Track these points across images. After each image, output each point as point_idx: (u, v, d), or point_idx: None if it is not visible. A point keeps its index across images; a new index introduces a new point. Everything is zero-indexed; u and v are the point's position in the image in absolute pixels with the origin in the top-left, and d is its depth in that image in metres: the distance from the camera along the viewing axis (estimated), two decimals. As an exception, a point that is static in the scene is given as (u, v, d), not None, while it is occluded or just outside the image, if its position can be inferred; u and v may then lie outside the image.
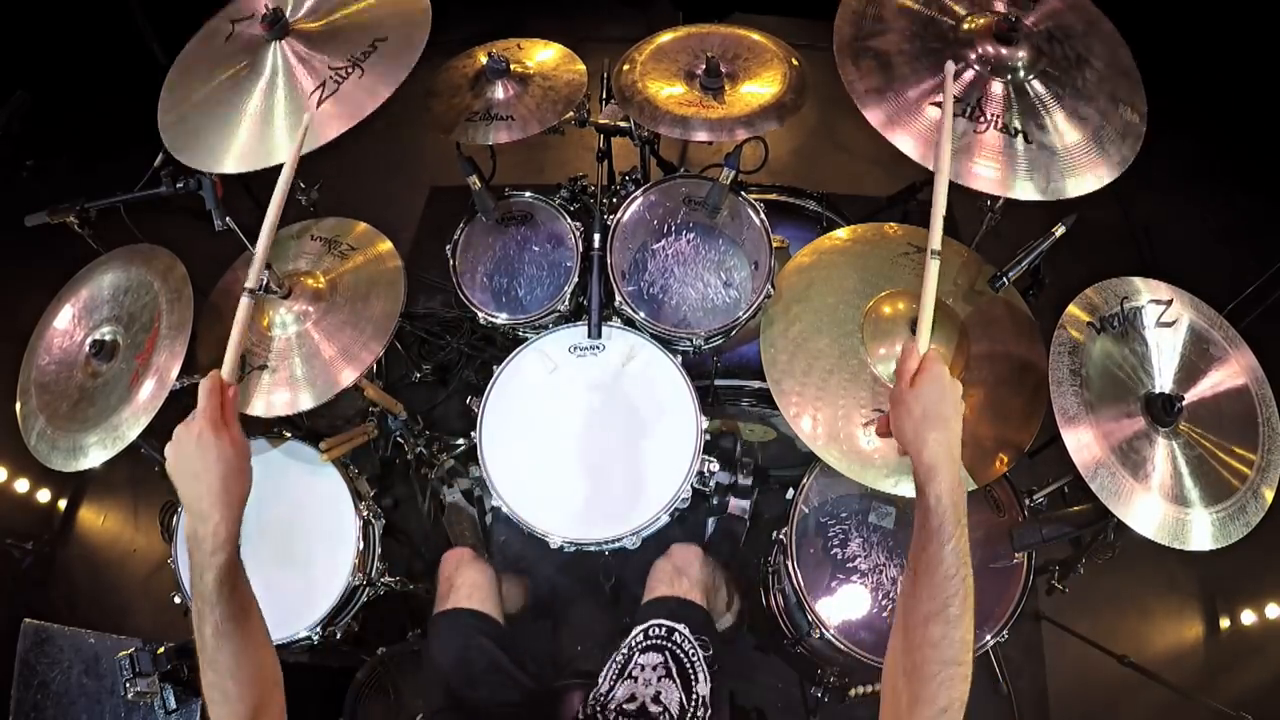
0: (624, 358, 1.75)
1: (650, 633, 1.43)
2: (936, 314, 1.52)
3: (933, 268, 1.13)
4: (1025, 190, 1.42)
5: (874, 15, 1.56)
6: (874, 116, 1.45)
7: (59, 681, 1.55)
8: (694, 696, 1.34)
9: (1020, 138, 1.43)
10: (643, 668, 1.38)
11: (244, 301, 1.16)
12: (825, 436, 1.52)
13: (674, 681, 1.35)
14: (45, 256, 1.83)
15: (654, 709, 1.32)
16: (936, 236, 1.15)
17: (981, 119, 1.44)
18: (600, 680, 1.40)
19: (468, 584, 1.60)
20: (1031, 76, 1.49)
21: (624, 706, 1.32)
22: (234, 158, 1.51)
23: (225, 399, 1.07)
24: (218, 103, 1.58)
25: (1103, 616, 2.20)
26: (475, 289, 1.89)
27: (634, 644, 1.43)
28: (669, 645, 1.41)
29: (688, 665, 1.38)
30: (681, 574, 1.60)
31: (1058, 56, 1.53)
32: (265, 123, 1.53)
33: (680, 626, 1.43)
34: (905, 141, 1.43)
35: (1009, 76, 1.48)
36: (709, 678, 1.38)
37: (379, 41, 1.59)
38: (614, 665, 1.41)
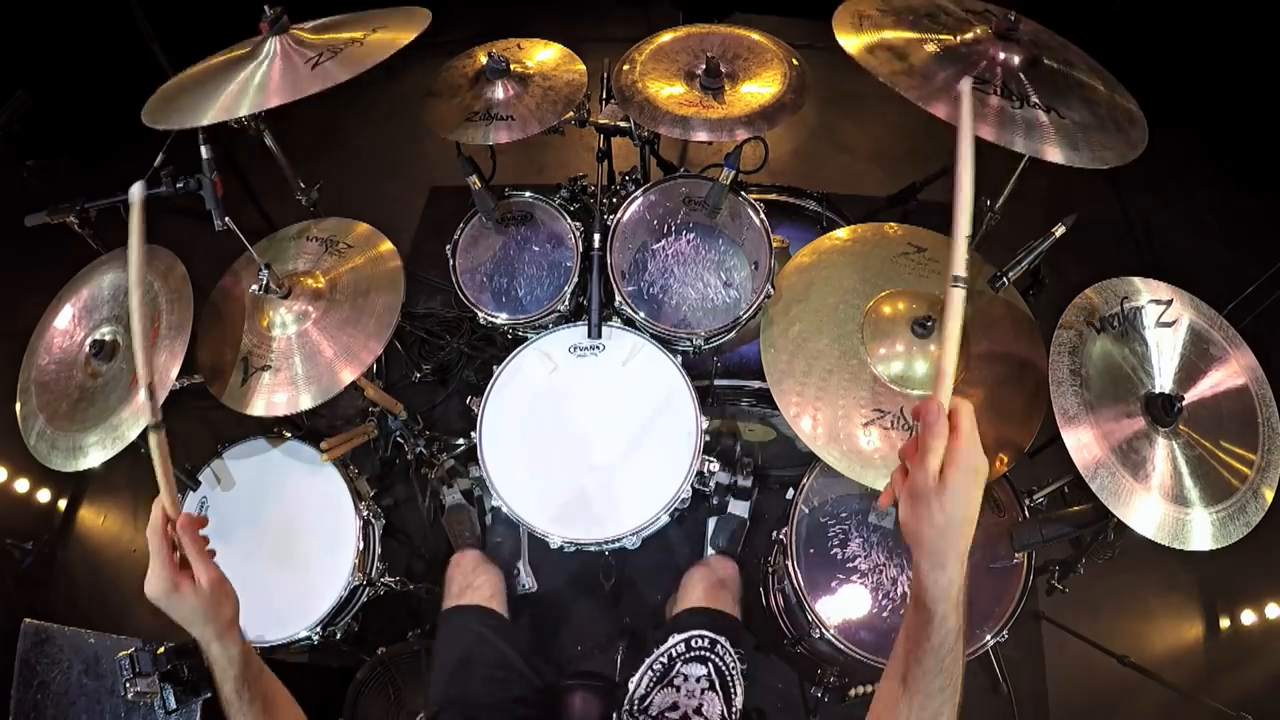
0: (624, 358, 1.75)
1: (693, 643, 1.43)
2: (937, 314, 1.55)
3: (957, 298, 0.83)
4: (1069, 158, 1.39)
5: (871, 23, 1.57)
6: (910, 93, 1.43)
7: (59, 681, 1.55)
8: (734, 710, 1.35)
9: (1053, 114, 1.43)
10: (686, 678, 1.38)
11: (153, 438, 0.96)
12: (825, 436, 1.52)
13: (717, 694, 1.36)
14: (45, 256, 1.83)
15: None
16: (960, 260, 0.83)
17: (1013, 97, 1.44)
18: (634, 684, 1.40)
19: (484, 584, 1.61)
20: (1040, 67, 1.50)
21: (666, 715, 1.33)
22: (214, 110, 1.50)
23: (181, 536, 0.97)
24: (208, 78, 1.59)
25: (1103, 616, 2.20)
26: (475, 289, 1.89)
27: (675, 652, 1.43)
28: (712, 657, 1.41)
29: (729, 678, 1.39)
30: (724, 588, 1.61)
31: (1050, 54, 1.55)
32: (248, 80, 1.54)
33: (722, 639, 1.44)
34: (941, 110, 1.40)
35: (1020, 67, 1.49)
36: (744, 690, 1.39)
37: (378, 28, 1.61)
38: (652, 672, 1.41)
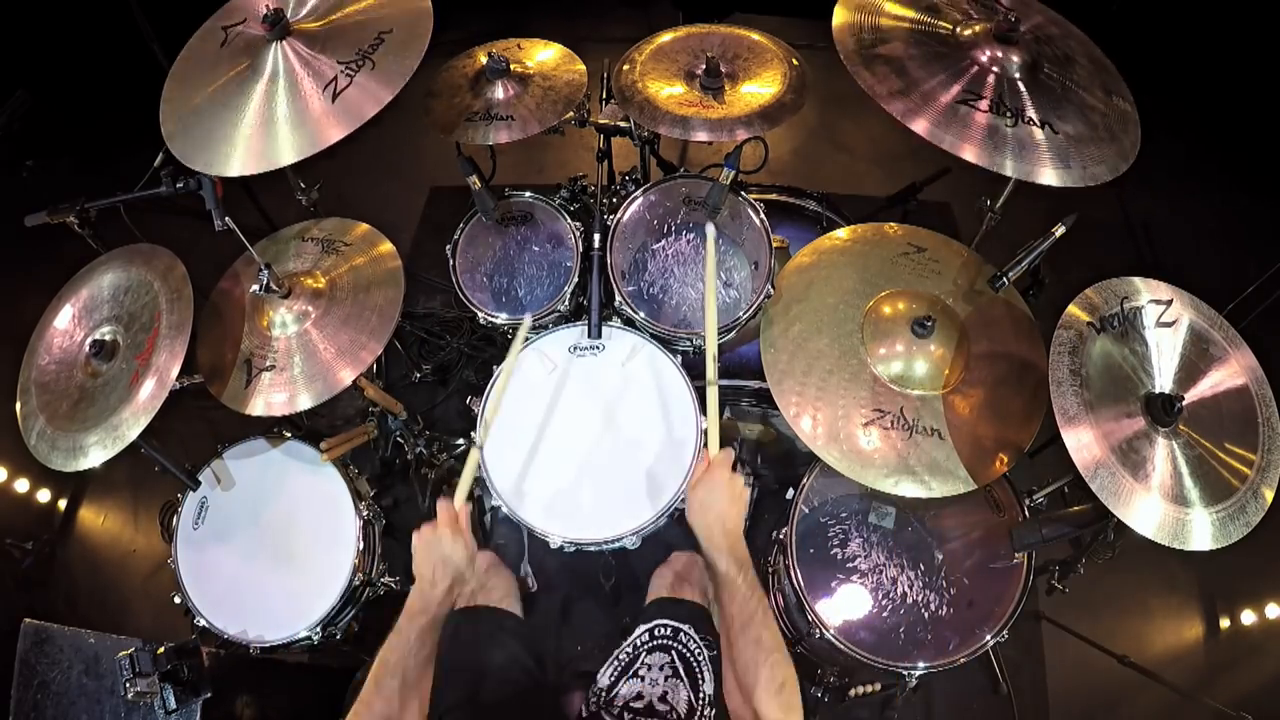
0: (624, 358, 1.75)
1: (656, 632, 1.43)
2: (937, 314, 1.55)
3: (712, 395, 1.33)
4: (1060, 178, 1.42)
5: (870, 27, 1.57)
6: (898, 112, 1.45)
7: (59, 681, 1.55)
8: (701, 695, 1.34)
9: (1046, 129, 1.45)
10: (649, 667, 1.38)
11: (474, 453, 1.40)
12: (825, 436, 1.52)
13: (681, 681, 1.36)
14: (45, 256, 1.83)
15: (661, 708, 1.32)
16: (711, 369, 1.33)
17: (1006, 113, 1.45)
18: (600, 677, 1.41)
19: (497, 585, 1.62)
20: (1038, 74, 1.50)
21: (631, 705, 1.32)
22: (237, 160, 1.52)
23: (459, 515, 1.30)
24: (221, 105, 1.58)
25: (1103, 616, 2.19)
26: (475, 289, 1.89)
27: (639, 643, 1.43)
28: (675, 645, 1.41)
29: (694, 664, 1.39)
30: (684, 580, 1.60)
31: (1049, 55, 1.54)
32: (268, 123, 1.53)
33: (686, 626, 1.44)
34: (925, 129, 1.44)
35: (1018, 74, 1.49)
36: (714, 676, 1.38)
37: (384, 34, 1.59)
38: (616, 663, 1.41)
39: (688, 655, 1.40)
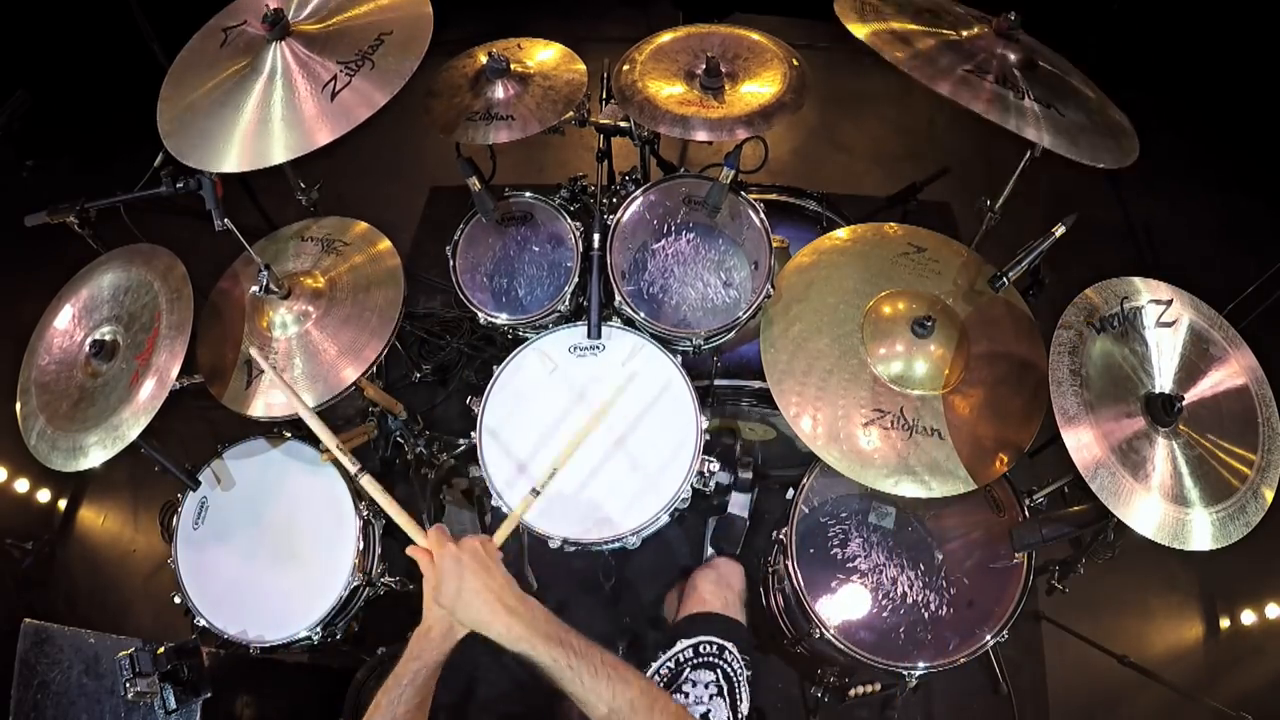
0: (624, 358, 1.75)
1: (702, 649, 1.43)
2: (937, 314, 1.55)
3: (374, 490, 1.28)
4: (1073, 152, 1.40)
5: (873, 7, 1.56)
6: (916, 73, 1.44)
7: (59, 681, 1.55)
8: (739, 716, 1.35)
9: (1053, 109, 1.44)
10: (694, 684, 1.39)
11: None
12: (825, 436, 1.52)
13: (724, 700, 1.37)
14: (45, 256, 1.83)
15: None
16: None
17: (1012, 90, 1.45)
18: None
19: None
20: (1038, 69, 1.50)
21: None
22: (234, 156, 1.51)
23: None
24: (218, 103, 1.57)
25: (1103, 616, 2.20)
26: (475, 289, 1.89)
27: (684, 658, 1.43)
28: (720, 663, 1.41)
29: (736, 684, 1.40)
30: (730, 589, 1.61)
31: (1046, 58, 1.55)
32: (263, 121, 1.53)
33: (730, 645, 1.44)
34: (946, 87, 1.42)
35: (1020, 64, 1.49)
36: (749, 698, 1.39)
37: (384, 35, 1.59)
38: (659, 676, 1.42)
39: (731, 675, 1.41)
